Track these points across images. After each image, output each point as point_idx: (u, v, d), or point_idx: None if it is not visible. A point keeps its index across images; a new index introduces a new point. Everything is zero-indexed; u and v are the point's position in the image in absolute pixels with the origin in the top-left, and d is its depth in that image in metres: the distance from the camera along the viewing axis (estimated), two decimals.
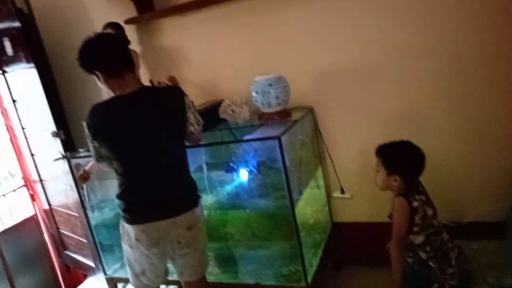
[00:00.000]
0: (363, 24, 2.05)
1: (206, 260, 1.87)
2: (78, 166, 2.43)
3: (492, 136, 1.96)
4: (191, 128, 1.69)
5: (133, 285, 1.88)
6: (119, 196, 1.67)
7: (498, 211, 1.97)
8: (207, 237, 1.85)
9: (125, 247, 1.76)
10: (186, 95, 1.68)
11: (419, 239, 1.59)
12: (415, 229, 1.58)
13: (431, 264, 1.58)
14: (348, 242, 2.43)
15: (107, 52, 1.58)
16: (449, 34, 1.91)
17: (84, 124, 1.62)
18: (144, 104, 1.59)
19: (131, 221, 1.65)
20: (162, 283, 1.89)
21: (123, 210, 1.67)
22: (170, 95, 1.66)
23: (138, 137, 1.59)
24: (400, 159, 1.63)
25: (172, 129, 1.64)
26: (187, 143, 1.78)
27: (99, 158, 1.69)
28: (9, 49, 2.73)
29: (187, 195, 1.71)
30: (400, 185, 1.62)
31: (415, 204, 1.57)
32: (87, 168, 2.10)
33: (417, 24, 1.95)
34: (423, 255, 1.59)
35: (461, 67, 1.92)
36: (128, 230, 1.69)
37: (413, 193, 1.60)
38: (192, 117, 1.68)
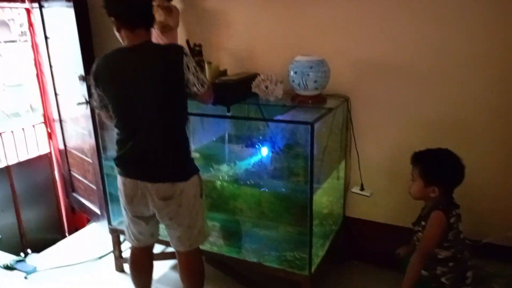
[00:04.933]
0: (416, 19, 1.94)
1: (198, 235, 1.82)
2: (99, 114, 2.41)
3: None
4: (194, 89, 1.63)
5: (127, 239, 1.94)
6: (115, 145, 1.72)
7: None
8: (203, 212, 1.82)
9: None
10: (187, 55, 1.60)
11: (444, 254, 1.54)
12: (445, 244, 1.53)
13: (443, 280, 1.54)
14: (357, 239, 2.41)
15: (130, 2, 1.56)
16: (503, 42, 1.80)
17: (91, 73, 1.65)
18: (142, 58, 1.58)
19: (118, 171, 1.73)
20: (147, 243, 1.91)
21: (114, 159, 1.72)
22: (168, 53, 1.60)
23: (131, 90, 1.58)
24: (441, 169, 1.56)
25: (164, 88, 1.59)
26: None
27: (102, 106, 1.71)
28: None
29: (170, 165, 1.66)
30: (438, 197, 1.56)
31: (452, 220, 1.51)
32: None
33: (471, 30, 1.85)
34: (439, 270, 1.55)
35: None
36: (118, 179, 1.76)
37: (451, 207, 1.53)
38: (192, 78, 1.61)
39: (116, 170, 1.75)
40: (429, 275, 1.58)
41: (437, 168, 1.56)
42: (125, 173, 1.70)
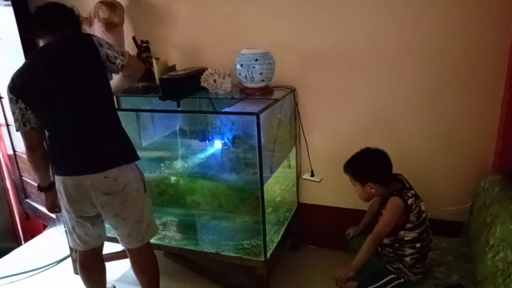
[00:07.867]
0: (356, 13, 2.03)
1: (147, 229, 1.79)
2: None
3: (458, 144, 2.04)
4: (118, 61, 1.62)
5: (71, 246, 1.88)
6: (48, 149, 1.67)
7: (457, 211, 2.08)
8: (149, 206, 1.79)
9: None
10: (94, 36, 1.63)
11: (410, 235, 1.58)
12: (409, 225, 1.57)
13: (406, 259, 1.60)
14: (310, 224, 2.50)
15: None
16: (432, 40, 1.93)
17: (6, 91, 1.57)
18: (55, 54, 1.56)
19: (55, 171, 1.66)
20: (96, 245, 1.85)
21: (51, 161, 1.67)
22: (78, 40, 1.60)
23: (56, 88, 1.55)
24: (365, 167, 1.66)
25: (90, 75, 1.59)
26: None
27: (26, 123, 1.60)
28: None
29: (107, 153, 1.63)
30: (379, 189, 1.63)
31: (409, 201, 1.55)
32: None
33: (400, 22, 1.96)
34: (407, 251, 1.59)
35: (439, 73, 1.97)
36: (57, 182, 1.69)
37: (404, 190, 1.59)
38: (110, 52, 1.61)
39: (51, 171, 1.69)
40: (394, 255, 1.64)
41: (361, 167, 1.67)
42: (62, 171, 1.63)
